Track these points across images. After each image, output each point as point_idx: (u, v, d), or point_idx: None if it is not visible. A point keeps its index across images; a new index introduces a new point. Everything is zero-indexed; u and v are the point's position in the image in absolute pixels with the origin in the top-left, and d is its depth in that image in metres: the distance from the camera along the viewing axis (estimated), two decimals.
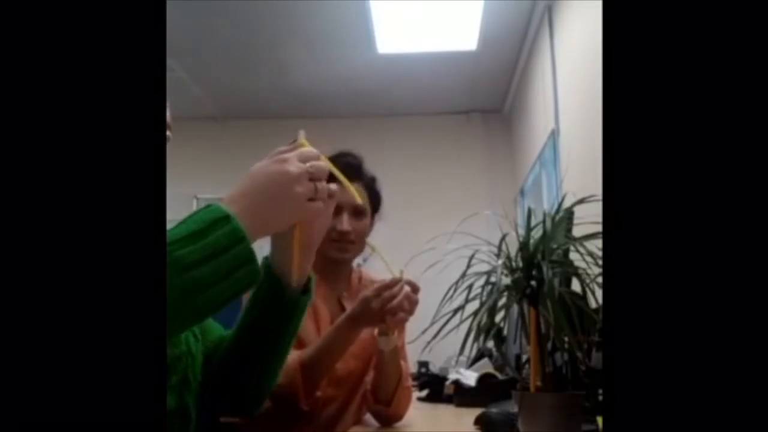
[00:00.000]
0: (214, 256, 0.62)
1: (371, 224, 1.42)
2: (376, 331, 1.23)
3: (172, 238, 0.62)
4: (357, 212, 1.36)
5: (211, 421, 1.09)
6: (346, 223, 1.33)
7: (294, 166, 0.70)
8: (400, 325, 1.21)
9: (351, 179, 1.35)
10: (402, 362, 1.31)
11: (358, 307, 1.17)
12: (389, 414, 1.28)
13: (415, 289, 1.17)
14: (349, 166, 1.36)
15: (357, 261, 1.49)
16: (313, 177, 0.71)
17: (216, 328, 0.99)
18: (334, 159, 1.38)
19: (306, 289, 0.87)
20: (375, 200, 1.43)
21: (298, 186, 0.69)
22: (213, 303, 0.63)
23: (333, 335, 1.19)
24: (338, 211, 1.33)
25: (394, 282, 1.16)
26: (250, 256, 0.65)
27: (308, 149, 0.74)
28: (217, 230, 0.63)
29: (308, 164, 0.71)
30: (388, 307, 1.13)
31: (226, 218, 0.64)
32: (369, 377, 1.33)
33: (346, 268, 1.43)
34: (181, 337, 0.86)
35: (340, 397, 1.32)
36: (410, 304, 1.16)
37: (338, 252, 1.35)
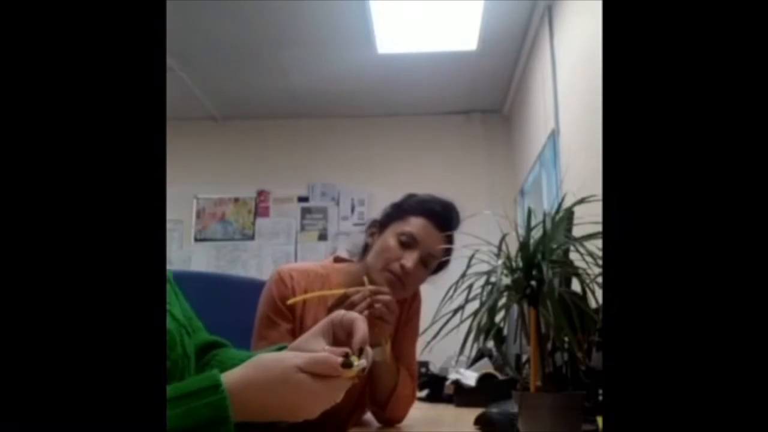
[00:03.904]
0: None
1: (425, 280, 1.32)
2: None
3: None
4: (427, 261, 1.26)
5: None
6: (412, 262, 1.22)
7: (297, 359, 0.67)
8: (386, 332, 1.18)
9: (444, 229, 1.26)
10: (406, 368, 1.29)
11: None
12: (386, 417, 1.27)
13: (381, 292, 1.14)
14: (450, 219, 1.29)
15: None
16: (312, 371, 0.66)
17: (201, 329, 0.96)
18: (441, 202, 1.30)
19: None
20: (442, 264, 1.32)
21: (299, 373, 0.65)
22: None
23: None
24: (413, 246, 1.24)
25: (355, 291, 1.13)
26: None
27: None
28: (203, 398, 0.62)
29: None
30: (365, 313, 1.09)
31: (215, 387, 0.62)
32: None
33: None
34: (177, 339, 0.82)
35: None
36: (385, 306, 1.13)
37: (386, 284, 1.22)
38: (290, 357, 0.66)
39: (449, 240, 1.29)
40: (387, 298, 1.14)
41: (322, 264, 1.38)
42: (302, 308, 1.27)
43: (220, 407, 0.61)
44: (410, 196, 1.33)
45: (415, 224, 1.26)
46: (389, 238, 1.26)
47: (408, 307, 1.36)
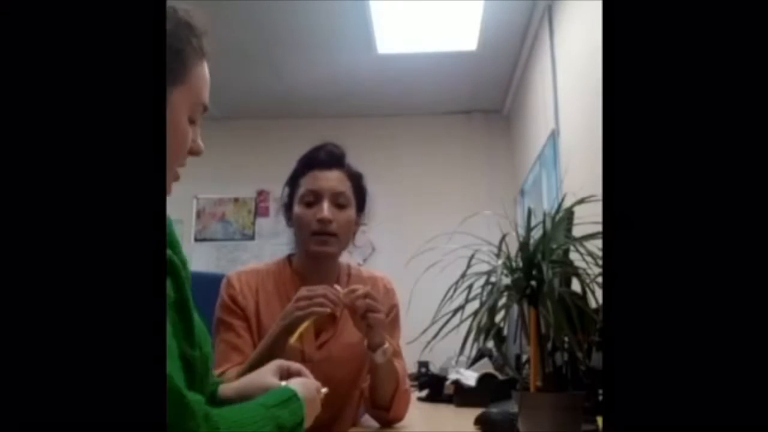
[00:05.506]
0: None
1: (357, 221, 1.35)
2: (365, 342, 1.20)
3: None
4: (338, 202, 1.28)
5: None
6: (326, 210, 1.25)
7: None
8: (381, 324, 1.17)
9: (332, 167, 1.31)
10: (398, 363, 1.29)
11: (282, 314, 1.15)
12: (389, 418, 1.27)
13: (353, 290, 1.15)
14: (331, 154, 1.32)
15: (357, 261, 1.46)
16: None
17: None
18: (317, 149, 1.35)
19: None
20: (360, 196, 1.35)
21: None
22: None
23: (267, 344, 1.15)
24: (318, 198, 1.27)
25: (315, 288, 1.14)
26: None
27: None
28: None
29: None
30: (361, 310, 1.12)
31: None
32: (366, 382, 1.30)
33: (330, 265, 1.33)
34: (207, 334, 0.85)
35: (336, 404, 1.26)
36: (367, 298, 1.14)
37: (318, 245, 1.26)
38: (309, 382, 0.93)
39: (349, 173, 1.32)
40: (362, 291, 1.15)
41: (275, 262, 1.39)
42: (256, 307, 1.27)
43: (299, 413, 0.83)
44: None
45: (306, 182, 1.30)
46: (297, 210, 1.29)
47: (387, 304, 1.35)
